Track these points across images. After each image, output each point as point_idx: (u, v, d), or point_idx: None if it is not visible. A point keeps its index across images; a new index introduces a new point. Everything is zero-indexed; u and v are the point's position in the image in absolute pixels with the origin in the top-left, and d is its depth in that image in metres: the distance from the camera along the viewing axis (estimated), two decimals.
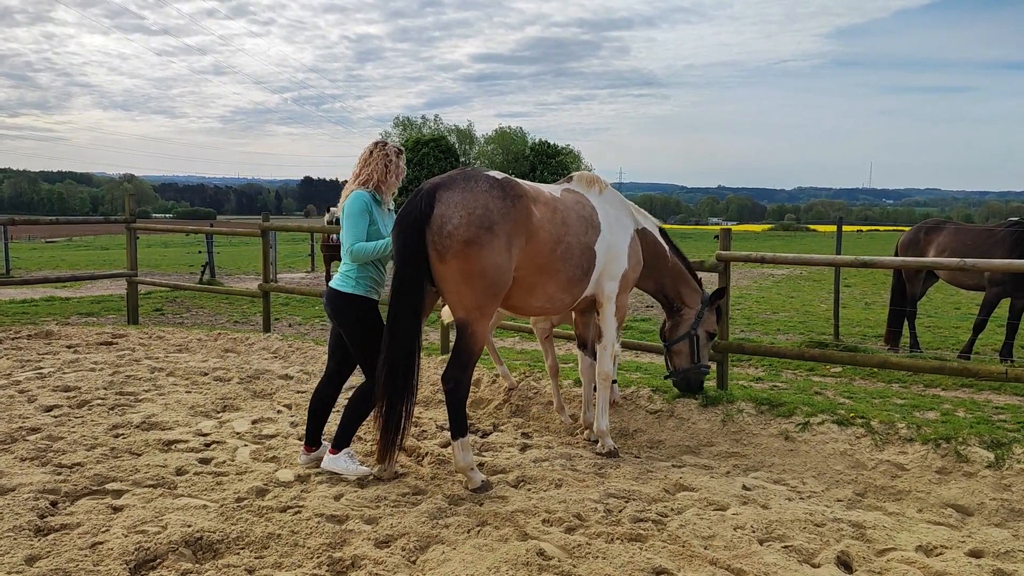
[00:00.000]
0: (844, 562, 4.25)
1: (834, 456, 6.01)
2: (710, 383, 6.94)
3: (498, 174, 5.26)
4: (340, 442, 5.38)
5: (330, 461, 5.35)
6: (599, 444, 6.17)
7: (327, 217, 16.62)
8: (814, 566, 4.20)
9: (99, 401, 7.10)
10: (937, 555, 4.36)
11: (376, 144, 5.45)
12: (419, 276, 4.97)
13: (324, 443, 5.60)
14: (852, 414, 6.42)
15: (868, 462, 5.89)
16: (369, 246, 5.20)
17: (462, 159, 66.88)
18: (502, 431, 6.85)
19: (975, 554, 4.40)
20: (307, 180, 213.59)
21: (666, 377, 6.95)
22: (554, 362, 7.02)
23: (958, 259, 6.70)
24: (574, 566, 4.01)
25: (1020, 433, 6.37)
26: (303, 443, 5.63)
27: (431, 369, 8.52)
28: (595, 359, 6.53)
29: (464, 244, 4.87)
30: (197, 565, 4.00)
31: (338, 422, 5.47)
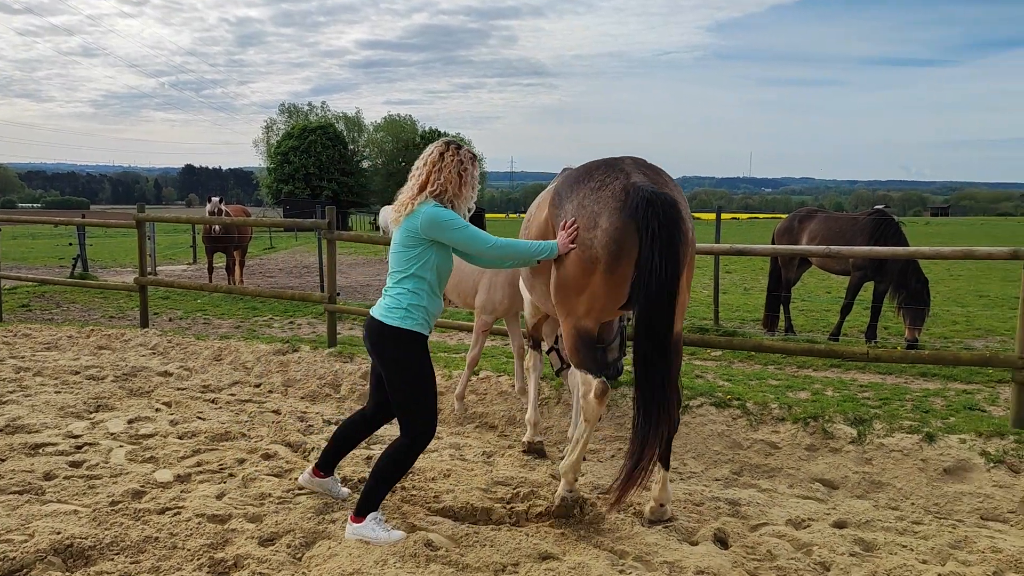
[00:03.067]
0: (721, 539, 4.43)
1: (712, 437, 6.26)
2: None
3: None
4: (365, 508, 4.30)
5: (355, 530, 4.25)
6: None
7: (209, 207, 16.06)
8: (693, 544, 4.37)
9: None
10: (805, 527, 4.61)
11: (448, 146, 4.41)
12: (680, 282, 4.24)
13: (335, 477, 4.88)
14: (729, 396, 6.70)
15: (744, 442, 6.15)
16: (523, 244, 4.46)
17: (351, 147, 65.79)
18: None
19: (839, 524, 4.68)
20: (189, 168, 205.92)
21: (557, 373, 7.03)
22: (477, 355, 6.92)
23: (824, 247, 7.07)
24: (462, 555, 4.04)
25: (881, 409, 6.80)
26: (313, 464, 4.86)
27: (317, 363, 8.40)
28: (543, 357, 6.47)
29: (694, 251, 4.49)
30: (68, 573, 3.82)
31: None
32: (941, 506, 5.15)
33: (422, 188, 4.32)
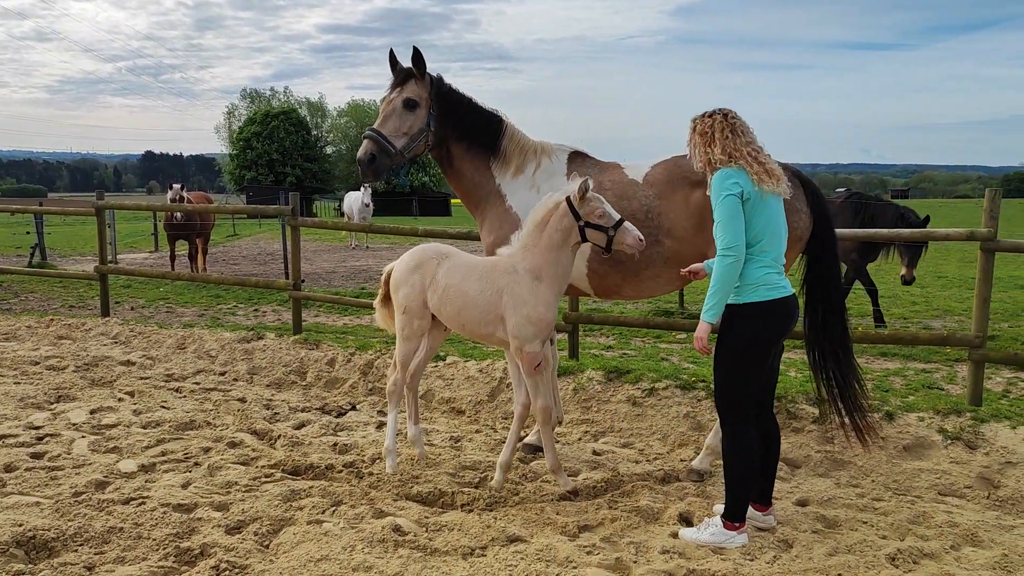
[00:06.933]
0: (686, 518, 4.49)
1: (678, 419, 6.32)
2: (562, 353, 7.12)
3: None
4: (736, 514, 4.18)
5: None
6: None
7: (171, 194, 15.80)
8: (660, 524, 4.43)
9: None
10: None
11: None
12: None
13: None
14: (694, 378, 6.76)
15: (708, 423, 6.21)
16: None
17: (314, 132, 65.11)
18: (358, 410, 6.80)
19: (802, 503, 4.77)
20: (149, 155, 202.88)
21: None
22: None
23: None
24: (430, 539, 4.06)
25: None
26: (753, 502, 4.33)
27: (283, 351, 8.35)
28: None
29: None
30: (30, 565, 3.77)
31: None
32: (900, 483, 5.26)
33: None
